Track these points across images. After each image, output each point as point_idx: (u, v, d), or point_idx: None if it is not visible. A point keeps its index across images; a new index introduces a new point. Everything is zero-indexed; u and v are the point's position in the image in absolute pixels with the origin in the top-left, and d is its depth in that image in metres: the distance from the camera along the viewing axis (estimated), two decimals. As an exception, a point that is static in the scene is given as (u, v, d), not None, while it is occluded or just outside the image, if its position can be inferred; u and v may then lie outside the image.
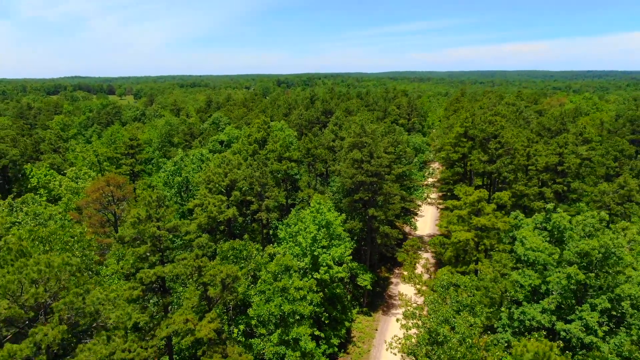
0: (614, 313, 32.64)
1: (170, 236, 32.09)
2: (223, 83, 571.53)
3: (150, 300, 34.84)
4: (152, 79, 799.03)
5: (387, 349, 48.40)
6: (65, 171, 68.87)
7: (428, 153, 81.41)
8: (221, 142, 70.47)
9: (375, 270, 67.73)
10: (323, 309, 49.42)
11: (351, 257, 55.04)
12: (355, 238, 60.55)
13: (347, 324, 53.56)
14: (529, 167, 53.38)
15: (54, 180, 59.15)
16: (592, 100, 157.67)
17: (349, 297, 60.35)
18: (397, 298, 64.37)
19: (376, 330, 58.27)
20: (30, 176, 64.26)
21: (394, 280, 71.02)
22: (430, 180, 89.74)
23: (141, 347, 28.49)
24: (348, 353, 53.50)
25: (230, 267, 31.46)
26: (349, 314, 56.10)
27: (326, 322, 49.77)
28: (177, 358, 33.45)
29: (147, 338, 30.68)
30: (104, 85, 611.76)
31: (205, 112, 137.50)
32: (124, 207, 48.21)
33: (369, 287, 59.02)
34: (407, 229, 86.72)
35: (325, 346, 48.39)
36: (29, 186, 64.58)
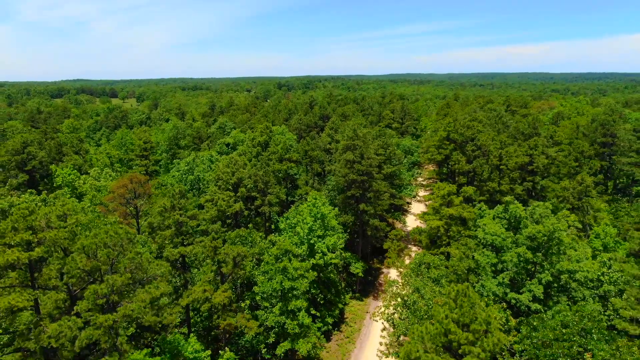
0: (555, 285, 39.56)
1: (193, 223, 39.01)
2: (224, 86, 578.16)
3: (173, 279, 41.82)
4: (153, 82, 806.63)
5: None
6: (86, 171, 76.02)
7: (417, 155, 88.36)
8: (227, 145, 77.56)
9: (367, 262, 74.59)
10: (318, 290, 56.39)
11: (344, 246, 62.18)
12: (349, 231, 67.44)
13: (340, 305, 60.48)
14: (501, 167, 60.38)
15: (78, 180, 66.14)
16: (580, 104, 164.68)
17: (342, 284, 67.17)
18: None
19: (367, 312, 65.06)
20: (55, 175, 71.38)
21: (385, 270, 77.80)
22: (420, 179, 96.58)
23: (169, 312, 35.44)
24: (341, 331, 60.33)
25: (240, 247, 38.54)
26: (343, 297, 63.04)
27: (321, 302, 56.71)
28: (198, 319, 40.35)
29: (171, 305, 37.63)
30: (107, 88, 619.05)
31: (210, 116, 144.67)
32: (144, 201, 55.17)
33: (360, 274, 66.05)
34: (399, 225, 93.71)
35: (321, 324, 55.30)
36: (54, 185, 71.67)
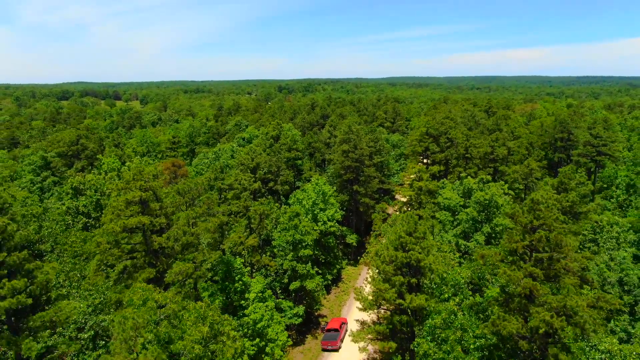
0: (493, 235, 54.34)
1: (230, 194, 53.71)
2: (225, 89, 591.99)
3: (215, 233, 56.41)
4: (154, 85, 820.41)
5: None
6: (124, 161, 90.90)
7: (403, 148, 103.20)
8: (243, 139, 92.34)
9: (361, 236, 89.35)
10: (320, 252, 71.12)
11: (341, 222, 76.85)
12: (344, 209, 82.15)
13: (338, 267, 75.20)
14: (467, 156, 75.12)
15: (124, 167, 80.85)
16: (555, 106, 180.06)
17: (339, 253, 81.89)
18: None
19: (359, 274, 79.88)
20: (102, 163, 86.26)
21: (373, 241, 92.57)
22: (406, 179, 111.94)
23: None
24: (338, 287, 75.16)
25: (264, 206, 53.33)
26: (340, 262, 77.80)
27: (323, 262, 71.43)
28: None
29: (214, 250, 52.34)
30: (110, 91, 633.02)
31: (221, 116, 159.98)
32: (183, 181, 70.03)
33: (354, 244, 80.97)
34: (390, 210, 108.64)
35: (322, 279, 70.03)
36: (100, 172, 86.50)
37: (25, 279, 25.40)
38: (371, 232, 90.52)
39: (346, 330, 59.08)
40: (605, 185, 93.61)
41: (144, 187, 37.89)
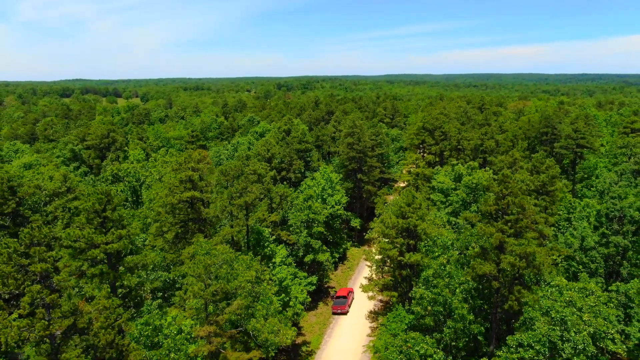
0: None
1: (254, 177, 62.63)
2: (224, 86, 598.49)
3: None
4: (152, 82, 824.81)
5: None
6: (148, 152, 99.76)
7: (402, 142, 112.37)
8: (256, 132, 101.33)
9: (365, 222, 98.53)
10: (329, 233, 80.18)
11: (346, 208, 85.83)
12: (349, 195, 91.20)
13: (343, 246, 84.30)
14: (458, 147, 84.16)
15: (151, 158, 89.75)
16: (545, 103, 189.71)
17: (344, 236, 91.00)
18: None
19: (363, 254, 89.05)
20: (129, 155, 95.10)
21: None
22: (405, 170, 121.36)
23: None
24: (344, 264, 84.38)
25: (284, 188, 62.25)
26: (345, 243, 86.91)
27: (330, 241, 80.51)
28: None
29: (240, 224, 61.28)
30: (110, 88, 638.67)
31: (229, 113, 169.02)
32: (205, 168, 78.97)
33: (358, 227, 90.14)
34: (390, 198, 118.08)
35: (330, 256, 79.11)
36: (132, 161, 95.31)
37: (124, 230, 34.16)
38: (374, 218, 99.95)
39: (353, 298, 68.28)
40: (585, 175, 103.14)
41: (194, 167, 46.92)
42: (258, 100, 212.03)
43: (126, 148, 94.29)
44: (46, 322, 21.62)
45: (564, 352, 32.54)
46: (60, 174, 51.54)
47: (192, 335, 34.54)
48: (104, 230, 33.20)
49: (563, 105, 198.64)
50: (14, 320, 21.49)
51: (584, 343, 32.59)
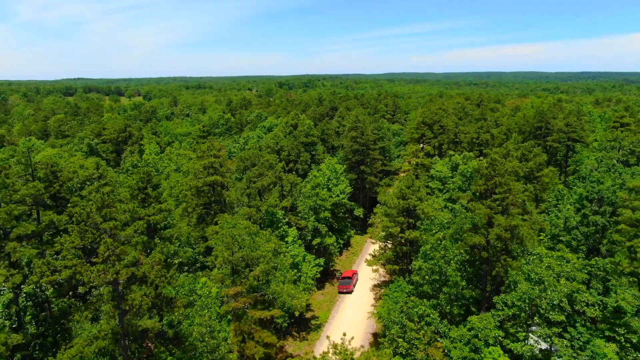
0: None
1: (264, 166, 68.07)
2: (226, 85, 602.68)
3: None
4: (153, 81, 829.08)
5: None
6: (162, 146, 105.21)
7: (403, 136, 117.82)
8: (264, 127, 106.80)
9: (368, 212, 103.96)
10: (334, 220, 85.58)
11: (349, 198, 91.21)
12: (353, 186, 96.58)
13: (347, 233, 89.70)
14: (456, 140, 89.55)
15: (167, 150, 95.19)
16: (540, 100, 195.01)
17: (348, 224, 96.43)
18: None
19: (366, 241, 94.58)
20: (144, 148, 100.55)
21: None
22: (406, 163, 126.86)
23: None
24: (348, 250, 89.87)
25: (294, 177, 67.63)
26: (349, 230, 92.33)
27: (335, 228, 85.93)
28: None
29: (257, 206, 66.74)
30: (112, 87, 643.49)
31: (235, 110, 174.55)
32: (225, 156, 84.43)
33: (361, 216, 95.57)
34: (391, 190, 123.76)
35: (335, 241, 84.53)
36: (143, 156, 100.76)
37: (163, 204, 39.54)
38: (377, 204, 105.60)
39: (357, 279, 73.72)
40: (577, 168, 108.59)
41: (215, 154, 52.36)
42: (262, 98, 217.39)
43: (142, 142, 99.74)
44: (116, 268, 27.01)
45: (542, 309, 37.92)
46: (92, 162, 57.00)
47: (221, 296, 40.02)
48: (145, 204, 38.63)
49: (560, 102, 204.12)
50: (92, 265, 26.90)
51: (560, 300, 37.97)
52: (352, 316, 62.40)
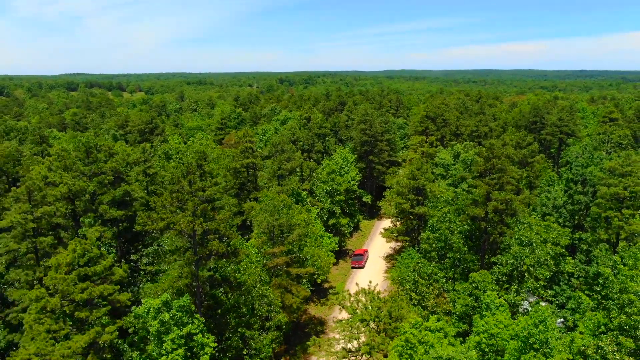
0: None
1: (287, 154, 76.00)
2: (226, 81, 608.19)
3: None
4: (153, 76, 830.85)
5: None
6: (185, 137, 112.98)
7: (407, 129, 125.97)
8: (278, 120, 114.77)
9: (375, 199, 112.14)
10: (345, 205, 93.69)
11: (359, 186, 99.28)
12: (362, 175, 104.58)
13: (357, 217, 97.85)
14: (457, 132, 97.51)
15: (189, 141, 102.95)
16: (537, 97, 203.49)
17: (357, 209, 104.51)
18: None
19: (374, 225, 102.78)
20: (168, 139, 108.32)
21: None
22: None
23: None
24: (358, 232, 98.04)
25: (313, 164, 75.66)
26: (358, 215, 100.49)
27: (347, 212, 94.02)
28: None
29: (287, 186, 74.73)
30: (113, 82, 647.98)
31: (245, 104, 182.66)
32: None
33: (369, 202, 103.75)
34: (401, 172, 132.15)
35: (347, 223, 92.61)
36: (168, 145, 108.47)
37: (216, 179, 47.73)
38: (386, 190, 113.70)
39: (368, 257, 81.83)
40: (569, 160, 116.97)
41: (250, 140, 60.37)
42: (271, 94, 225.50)
43: (166, 133, 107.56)
44: (200, 220, 35.06)
45: (530, 266, 46.09)
46: (141, 146, 64.80)
47: (262, 255, 48.10)
48: (203, 178, 46.61)
49: (556, 99, 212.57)
50: (182, 217, 34.93)
51: (545, 259, 46.17)
52: (365, 286, 70.67)
